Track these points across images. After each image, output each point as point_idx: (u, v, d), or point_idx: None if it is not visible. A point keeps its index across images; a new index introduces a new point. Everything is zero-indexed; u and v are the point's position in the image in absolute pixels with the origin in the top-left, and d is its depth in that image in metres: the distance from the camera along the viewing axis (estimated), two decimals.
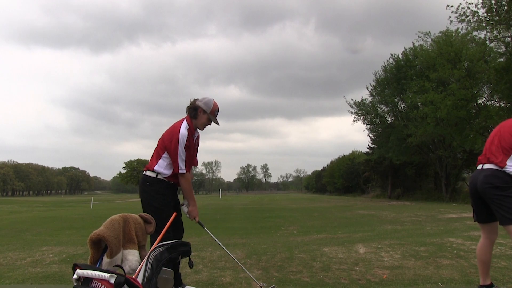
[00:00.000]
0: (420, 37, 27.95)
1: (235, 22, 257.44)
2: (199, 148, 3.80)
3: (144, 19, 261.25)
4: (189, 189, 3.58)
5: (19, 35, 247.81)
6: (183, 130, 3.44)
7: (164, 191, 3.47)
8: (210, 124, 3.64)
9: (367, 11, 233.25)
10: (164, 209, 3.38)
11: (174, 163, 3.44)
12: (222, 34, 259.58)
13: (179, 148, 3.41)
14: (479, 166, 3.23)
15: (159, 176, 3.47)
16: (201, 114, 3.54)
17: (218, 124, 3.67)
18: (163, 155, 3.49)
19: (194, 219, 3.60)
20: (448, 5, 20.26)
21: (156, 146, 3.62)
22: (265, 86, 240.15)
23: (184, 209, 3.61)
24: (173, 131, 3.49)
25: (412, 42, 31.95)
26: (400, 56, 31.64)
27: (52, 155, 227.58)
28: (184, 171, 3.47)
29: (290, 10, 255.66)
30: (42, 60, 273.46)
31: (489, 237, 3.27)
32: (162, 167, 3.48)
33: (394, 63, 31.70)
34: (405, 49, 31.49)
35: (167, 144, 3.46)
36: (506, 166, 3.04)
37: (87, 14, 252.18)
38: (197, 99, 3.60)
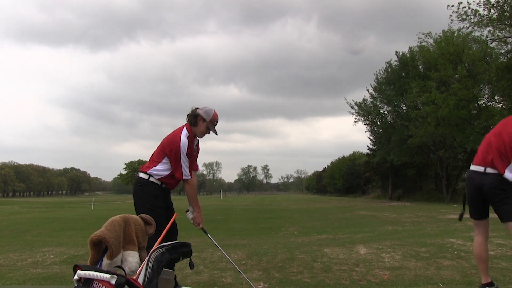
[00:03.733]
0: (421, 38, 27.99)
1: (236, 19, 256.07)
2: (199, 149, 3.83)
3: (142, 14, 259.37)
4: (194, 195, 3.60)
5: (15, 32, 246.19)
6: (184, 138, 3.47)
7: (156, 193, 3.48)
8: (209, 133, 3.67)
9: (370, 7, 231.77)
10: (156, 210, 3.36)
11: (176, 171, 3.46)
12: (222, 32, 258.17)
13: (181, 155, 3.44)
14: (480, 169, 3.23)
15: (151, 179, 3.49)
16: (200, 122, 3.58)
17: (216, 134, 3.71)
18: (163, 160, 3.50)
19: (198, 225, 3.62)
20: (448, 5, 20.31)
21: (155, 149, 3.64)
22: (265, 85, 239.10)
23: (189, 215, 3.62)
24: (173, 139, 3.51)
25: (416, 41, 31.98)
26: (406, 54, 31.56)
27: (52, 156, 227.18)
28: (189, 177, 3.51)
29: (291, 7, 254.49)
30: (39, 59, 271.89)
31: (484, 232, 3.37)
32: (159, 170, 3.49)
33: (398, 61, 31.67)
34: (410, 48, 31.54)
35: (167, 152, 3.48)
36: (505, 174, 3.12)
37: (84, 10, 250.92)
38: (198, 107, 3.65)
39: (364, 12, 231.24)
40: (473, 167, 3.32)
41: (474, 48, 23.97)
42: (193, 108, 3.65)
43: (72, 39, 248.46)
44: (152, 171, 3.49)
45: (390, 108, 32.98)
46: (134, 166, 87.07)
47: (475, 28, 20.37)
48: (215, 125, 3.67)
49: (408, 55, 31.06)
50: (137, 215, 3.01)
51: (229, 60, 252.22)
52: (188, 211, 3.63)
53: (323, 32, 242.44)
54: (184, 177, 3.47)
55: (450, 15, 20.62)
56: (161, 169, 3.50)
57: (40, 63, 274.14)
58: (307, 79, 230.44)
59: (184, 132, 3.52)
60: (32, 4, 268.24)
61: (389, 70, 32.01)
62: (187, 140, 3.48)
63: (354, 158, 72.34)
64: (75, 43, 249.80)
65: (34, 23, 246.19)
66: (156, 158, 3.54)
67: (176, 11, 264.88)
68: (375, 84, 33.22)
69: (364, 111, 32.91)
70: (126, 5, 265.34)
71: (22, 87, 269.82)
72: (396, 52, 31.92)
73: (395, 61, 31.81)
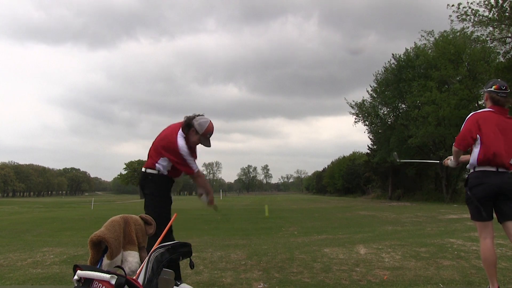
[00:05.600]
0: (423, 36, 27.99)
1: (236, 17, 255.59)
2: (199, 148, 3.81)
3: (141, 12, 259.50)
4: (204, 182, 3.70)
5: (12, 31, 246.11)
6: (181, 142, 3.43)
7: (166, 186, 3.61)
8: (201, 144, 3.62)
9: (371, 5, 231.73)
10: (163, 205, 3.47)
11: (185, 167, 3.48)
12: (222, 29, 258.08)
13: (184, 155, 3.42)
14: (499, 169, 3.22)
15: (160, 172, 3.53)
16: (192, 134, 3.50)
17: (209, 146, 3.61)
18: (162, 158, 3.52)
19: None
20: (448, 5, 20.32)
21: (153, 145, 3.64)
22: (265, 84, 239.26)
23: (204, 198, 3.72)
24: (170, 142, 3.45)
25: (414, 42, 31.95)
26: (401, 56, 31.57)
27: (51, 156, 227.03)
28: (197, 169, 3.55)
29: (292, 4, 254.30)
30: (37, 57, 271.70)
31: (492, 234, 3.28)
32: (162, 166, 3.53)
33: (395, 63, 31.66)
34: (407, 50, 31.55)
35: (166, 155, 3.46)
36: None
37: (82, 8, 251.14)
38: (199, 115, 3.58)
39: (365, 10, 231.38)
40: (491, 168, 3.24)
41: (473, 48, 23.97)
42: (193, 115, 3.57)
43: (70, 37, 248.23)
44: (158, 167, 3.53)
45: (389, 109, 32.99)
46: (134, 166, 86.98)
47: (476, 28, 20.42)
48: (208, 138, 3.57)
49: (403, 58, 31.07)
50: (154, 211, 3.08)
51: (229, 58, 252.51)
52: (202, 194, 3.70)
53: (324, 30, 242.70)
54: (194, 171, 3.53)
55: (450, 16, 20.66)
56: (164, 166, 3.54)
57: (38, 62, 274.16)
58: (308, 78, 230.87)
59: (180, 133, 3.47)
60: (29, 2, 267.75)
61: (389, 70, 32.00)
62: (184, 142, 3.43)
63: (354, 158, 72.39)
64: (74, 41, 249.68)
65: (32, 21, 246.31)
66: (158, 153, 3.53)
67: (176, 9, 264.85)
68: (375, 85, 33.26)
69: (363, 112, 32.92)
70: (125, 2, 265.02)
71: (20, 86, 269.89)
72: (393, 54, 32.00)
73: (393, 63, 31.83)
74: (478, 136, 3.23)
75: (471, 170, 3.35)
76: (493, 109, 3.30)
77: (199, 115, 3.58)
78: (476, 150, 3.26)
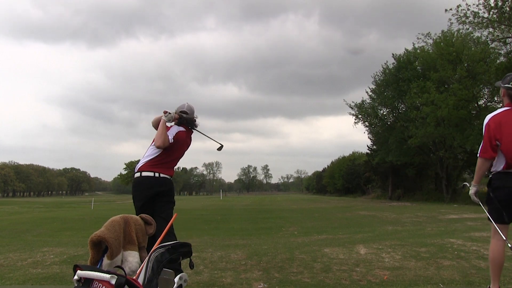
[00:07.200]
0: (420, 38, 28.04)
1: (235, 15, 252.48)
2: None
3: (141, 10, 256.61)
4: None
5: (10, 29, 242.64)
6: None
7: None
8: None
9: (372, 3, 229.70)
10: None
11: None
12: (222, 28, 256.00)
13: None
14: None
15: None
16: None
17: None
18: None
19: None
20: (446, 9, 20.33)
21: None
22: (265, 84, 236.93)
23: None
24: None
25: (413, 43, 31.94)
26: (400, 57, 31.54)
27: (51, 156, 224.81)
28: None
29: (293, 2, 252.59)
30: (35, 56, 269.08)
31: (506, 237, 3.19)
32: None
33: (394, 63, 31.63)
34: (406, 50, 31.54)
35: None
36: None
37: (79, 7, 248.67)
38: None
39: (366, 8, 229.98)
40: None
41: (473, 49, 23.98)
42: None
43: (69, 35, 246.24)
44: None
45: (388, 109, 32.98)
46: (134, 166, 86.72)
47: (475, 29, 20.42)
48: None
49: (402, 58, 31.05)
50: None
51: (228, 57, 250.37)
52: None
53: (324, 29, 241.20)
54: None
55: (450, 19, 20.66)
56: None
57: (37, 61, 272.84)
58: (308, 78, 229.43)
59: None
60: (27, 0, 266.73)
61: (387, 71, 31.99)
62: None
63: (354, 158, 72.38)
64: (72, 40, 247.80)
65: (30, 19, 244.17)
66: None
67: (175, 7, 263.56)
68: (374, 86, 33.24)
69: (363, 113, 32.90)
70: (123, 0, 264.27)
71: (19, 85, 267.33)
72: (393, 54, 31.96)
73: (392, 63, 31.83)
74: (498, 143, 3.09)
75: (494, 171, 3.22)
76: (511, 106, 3.15)
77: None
78: (501, 154, 3.13)
